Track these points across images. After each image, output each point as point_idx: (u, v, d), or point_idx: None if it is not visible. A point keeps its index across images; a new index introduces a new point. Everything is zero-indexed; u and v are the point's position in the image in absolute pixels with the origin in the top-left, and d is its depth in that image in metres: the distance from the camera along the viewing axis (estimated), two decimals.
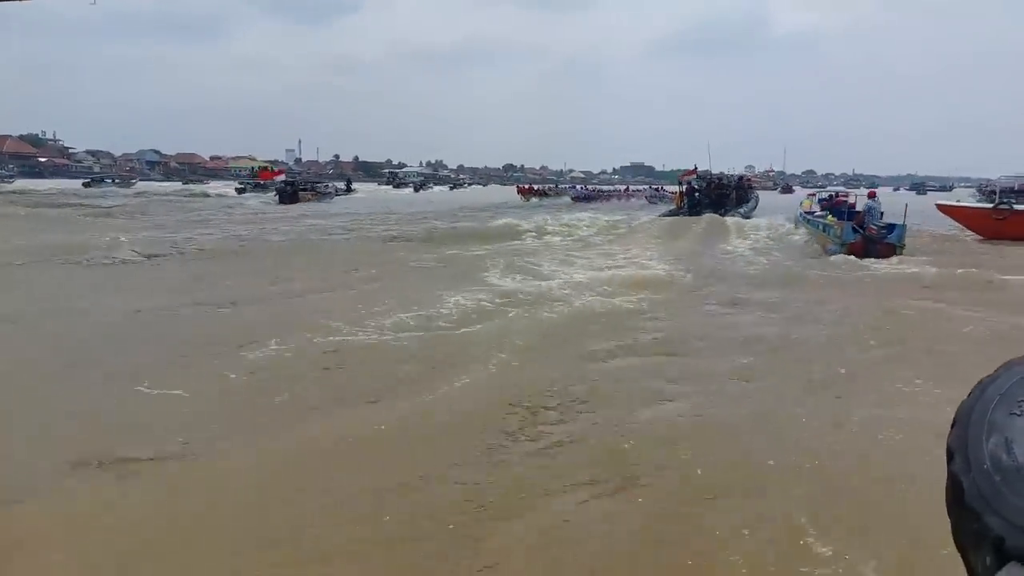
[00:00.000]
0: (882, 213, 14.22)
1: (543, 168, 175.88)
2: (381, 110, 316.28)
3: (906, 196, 76.37)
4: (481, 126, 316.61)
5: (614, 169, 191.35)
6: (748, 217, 23.56)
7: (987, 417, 0.89)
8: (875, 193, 15.20)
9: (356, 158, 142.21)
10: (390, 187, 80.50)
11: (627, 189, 53.03)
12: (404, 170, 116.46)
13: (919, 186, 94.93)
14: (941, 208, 18.92)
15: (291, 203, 36.52)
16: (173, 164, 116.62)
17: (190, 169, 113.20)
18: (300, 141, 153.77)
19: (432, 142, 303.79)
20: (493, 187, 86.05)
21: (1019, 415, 0.88)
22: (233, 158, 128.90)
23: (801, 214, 19.55)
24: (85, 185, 57.12)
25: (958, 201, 21.48)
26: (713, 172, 27.66)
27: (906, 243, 13.73)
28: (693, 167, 27.71)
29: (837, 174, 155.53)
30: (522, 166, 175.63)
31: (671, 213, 24.29)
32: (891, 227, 13.80)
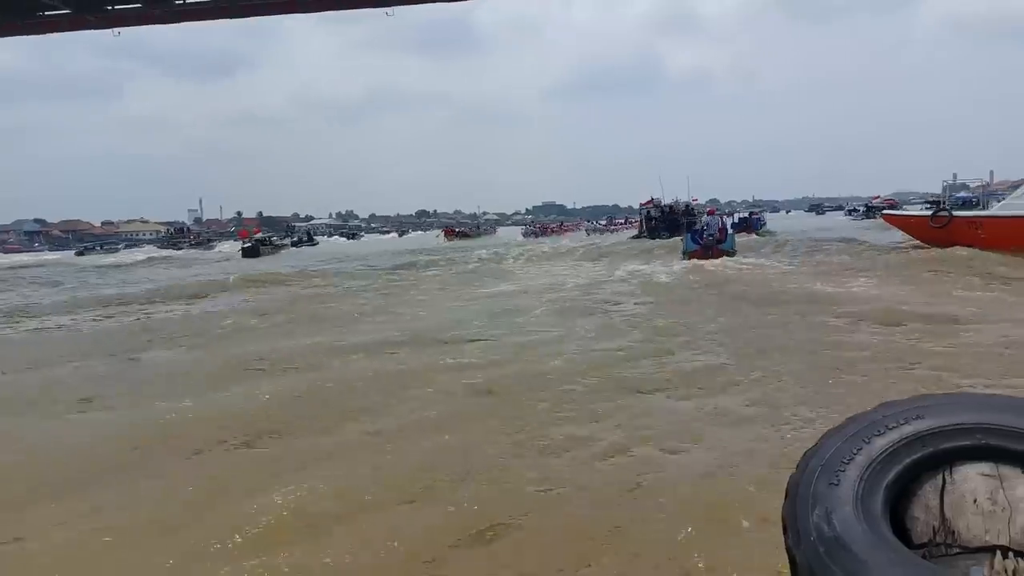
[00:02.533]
0: (722, 228, 18.33)
1: (457, 212, 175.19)
2: (286, 164, 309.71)
3: (800, 216, 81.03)
4: (391, 174, 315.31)
5: (527, 209, 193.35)
6: None
7: (811, 489, 1.02)
8: (714, 211, 20.86)
9: (260, 214, 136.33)
10: (339, 238, 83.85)
11: (562, 224, 66.45)
12: (312, 222, 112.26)
13: (817, 207, 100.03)
14: (885, 217, 18.84)
15: (254, 256, 39.42)
16: (56, 232, 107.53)
17: (76, 237, 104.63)
18: (201, 200, 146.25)
19: (341, 193, 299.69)
20: (431, 232, 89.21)
21: (837, 485, 1.01)
22: (125, 222, 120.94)
23: None
24: (78, 254, 58.72)
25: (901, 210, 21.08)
26: (655, 203, 32.38)
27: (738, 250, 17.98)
28: (650, 198, 32.23)
29: (739, 201, 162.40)
30: (435, 211, 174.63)
31: (636, 236, 30.19)
32: (726, 239, 17.68)
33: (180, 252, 52.74)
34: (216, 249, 55.69)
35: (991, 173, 36.44)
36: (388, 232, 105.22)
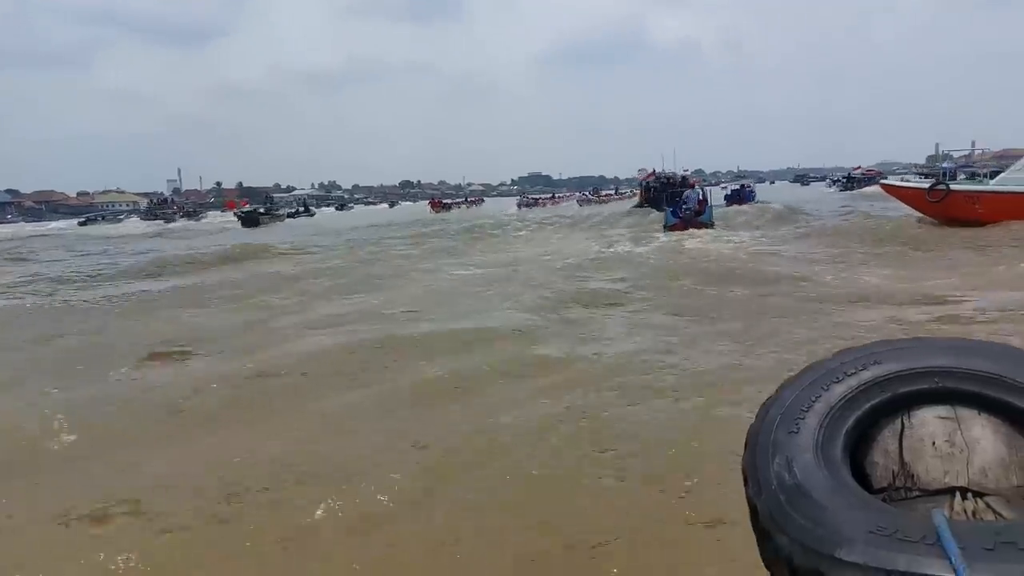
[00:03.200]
0: (701, 200, 18.87)
1: (441, 183, 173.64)
2: (267, 134, 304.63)
3: (785, 187, 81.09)
4: (374, 144, 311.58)
5: (512, 180, 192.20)
6: None
7: (771, 438, 1.02)
8: (694, 184, 21.89)
9: (240, 184, 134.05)
10: (328, 209, 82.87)
11: (553, 196, 68.45)
12: (294, 193, 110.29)
13: (802, 177, 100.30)
14: (884, 187, 18.86)
15: (254, 226, 39.67)
16: (29, 204, 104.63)
17: (50, 208, 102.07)
18: (180, 170, 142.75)
19: (323, 163, 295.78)
20: (420, 203, 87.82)
21: (796, 433, 1.01)
22: (101, 193, 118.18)
23: None
24: (81, 224, 60.00)
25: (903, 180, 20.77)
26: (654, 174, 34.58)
27: (717, 221, 18.75)
28: (652, 171, 34.74)
29: (724, 171, 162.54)
30: (419, 182, 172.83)
31: (637, 205, 31.67)
32: (705, 211, 18.23)
33: (177, 224, 51.37)
34: (207, 220, 54.99)
35: (973, 143, 36.65)
36: (373, 203, 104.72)
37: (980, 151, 33.91)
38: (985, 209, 16.06)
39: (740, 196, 31.47)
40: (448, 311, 8.04)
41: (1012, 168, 16.54)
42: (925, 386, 1.05)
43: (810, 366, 1.13)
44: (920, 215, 17.32)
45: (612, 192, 67.43)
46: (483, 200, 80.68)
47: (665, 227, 18.08)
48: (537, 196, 68.47)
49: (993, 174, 17.58)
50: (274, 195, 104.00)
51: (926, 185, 17.73)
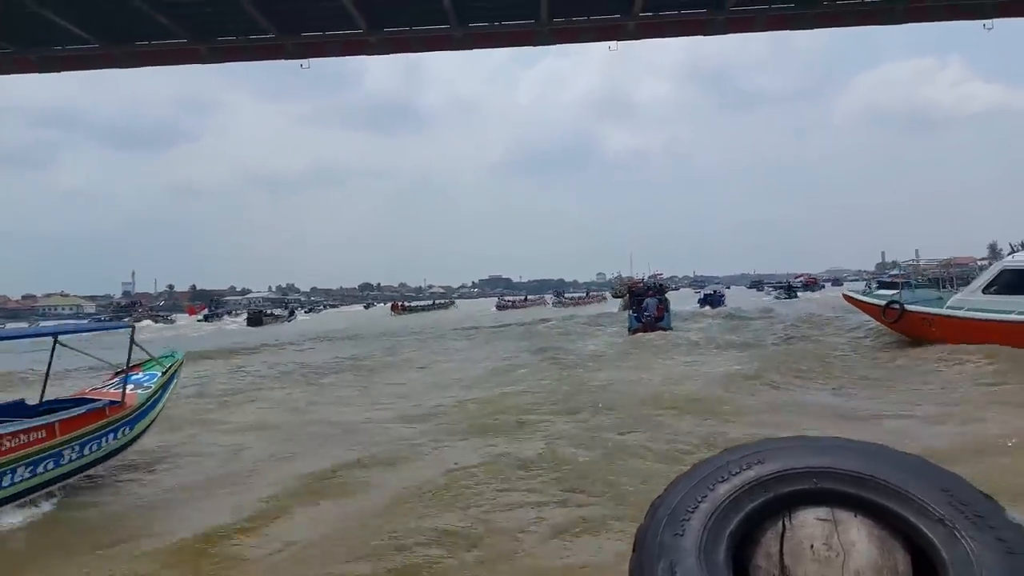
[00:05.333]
0: (660, 307, 19.69)
1: (402, 285, 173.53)
2: (225, 236, 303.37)
3: (743, 292, 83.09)
4: (333, 247, 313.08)
5: (473, 283, 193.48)
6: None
7: (657, 539, 1.00)
8: (652, 293, 22.34)
9: (193, 287, 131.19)
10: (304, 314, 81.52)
11: (525, 298, 74.50)
12: (249, 295, 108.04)
13: (758, 283, 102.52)
14: (847, 298, 18.97)
15: (258, 325, 44.13)
16: None
17: None
18: (134, 273, 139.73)
19: (281, 265, 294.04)
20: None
21: (681, 535, 0.99)
22: (44, 296, 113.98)
23: None
24: None
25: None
26: (626, 279, 40.49)
27: (675, 326, 19.81)
28: (641, 279, 39.41)
29: (680, 276, 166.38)
30: (379, 284, 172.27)
31: (624, 307, 35.64)
32: (664, 317, 19.33)
33: (169, 327, 50.52)
34: (179, 323, 55.76)
35: (916, 252, 38.25)
36: (335, 305, 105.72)
37: (925, 260, 34.79)
38: (939, 332, 15.56)
39: (712, 300, 36.98)
40: None
41: (967, 289, 16.18)
42: (805, 486, 1.00)
43: (698, 464, 1.10)
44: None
45: (584, 295, 75.07)
46: (454, 302, 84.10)
47: (629, 330, 19.38)
48: (512, 299, 73.51)
49: (959, 283, 17.35)
50: (228, 298, 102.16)
51: (883, 302, 17.40)
